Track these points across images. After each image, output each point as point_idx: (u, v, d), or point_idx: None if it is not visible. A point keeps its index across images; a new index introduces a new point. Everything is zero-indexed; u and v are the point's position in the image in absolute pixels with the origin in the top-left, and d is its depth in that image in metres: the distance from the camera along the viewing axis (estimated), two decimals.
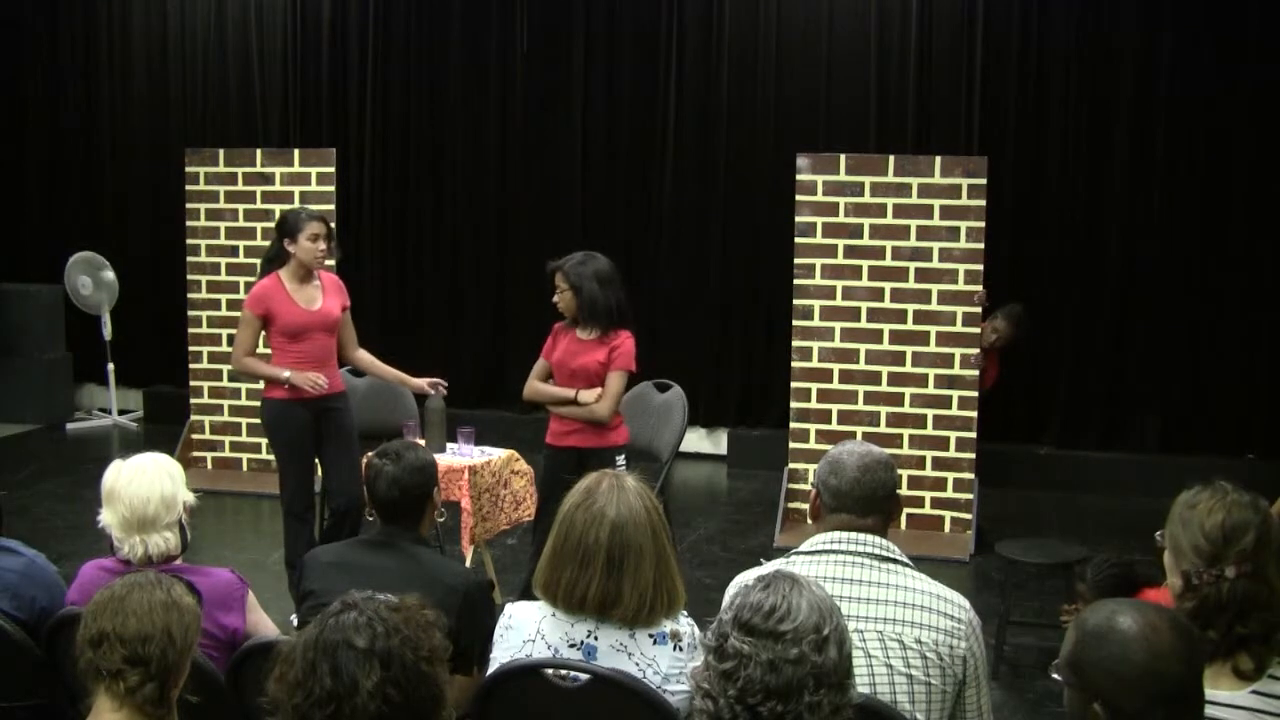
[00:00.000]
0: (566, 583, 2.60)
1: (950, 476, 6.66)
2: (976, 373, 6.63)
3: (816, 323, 6.76)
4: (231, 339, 7.60)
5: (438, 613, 2.05)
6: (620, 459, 4.96)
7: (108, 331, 9.11)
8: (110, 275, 9.03)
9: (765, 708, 1.92)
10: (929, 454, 6.67)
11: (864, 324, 6.71)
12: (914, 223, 6.62)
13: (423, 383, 5.44)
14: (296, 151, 7.82)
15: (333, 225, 5.53)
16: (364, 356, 5.50)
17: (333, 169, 7.68)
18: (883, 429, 6.64)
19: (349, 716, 1.89)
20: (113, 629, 2.32)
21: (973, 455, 6.64)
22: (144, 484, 3.07)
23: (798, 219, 6.79)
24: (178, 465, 3.21)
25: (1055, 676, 2.00)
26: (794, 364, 6.83)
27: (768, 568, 2.29)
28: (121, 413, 9.40)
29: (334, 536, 4.98)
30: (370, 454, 3.42)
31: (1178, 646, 1.90)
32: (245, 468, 7.85)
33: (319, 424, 5.26)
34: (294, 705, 1.91)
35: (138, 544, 3.06)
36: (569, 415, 5.01)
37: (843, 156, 6.80)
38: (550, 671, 2.61)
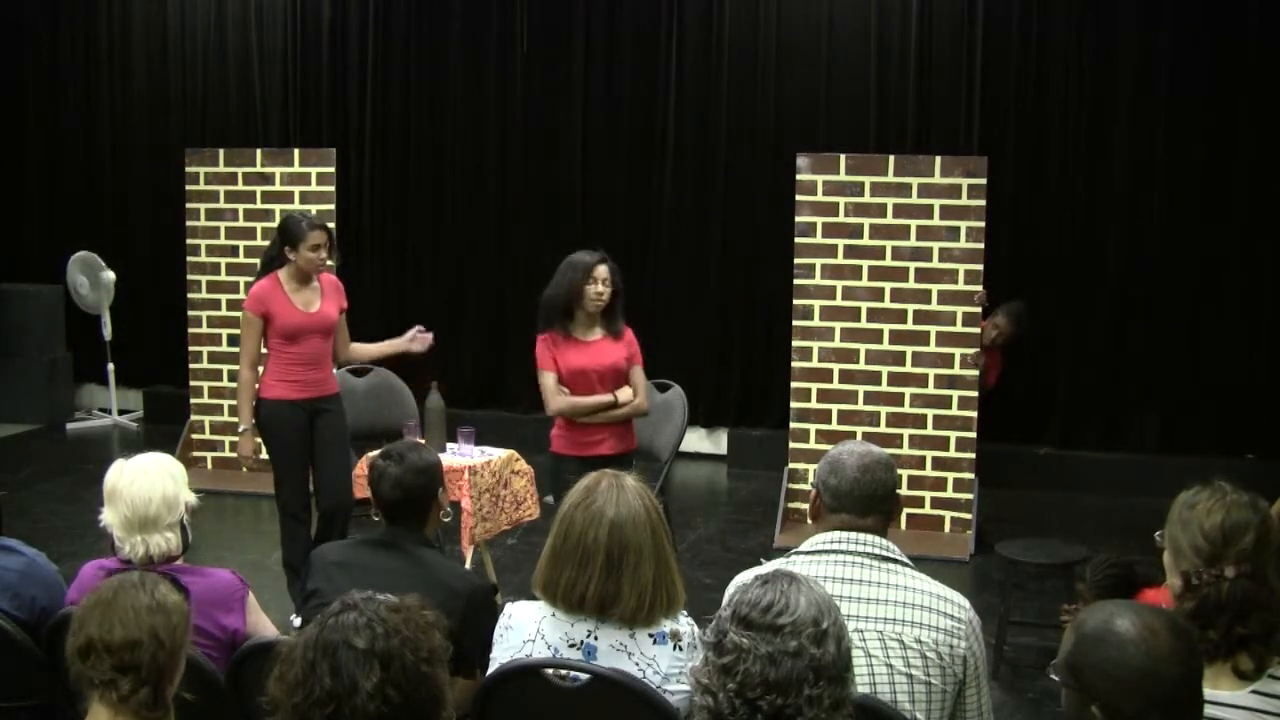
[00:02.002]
0: (566, 582, 2.60)
1: (950, 476, 6.66)
2: (976, 372, 6.64)
3: (816, 323, 6.76)
4: (232, 339, 7.70)
5: (438, 614, 2.05)
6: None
7: (108, 331, 9.10)
8: (108, 276, 9.02)
9: (765, 701, 1.91)
10: (929, 454, 6.67)
11: (864, 324, 6.71)
12: (914, 223, 6.62)
13: (405, 339, 5.49)
14: (296, 151, 7.82)
15: (332, 228, 5.54)
16: (356, 349, 5.53)
17: (333, 169, 7.69)
18: (883, 429, 6.64)
19: (349, 717, 1.88)
20: (99, 638, 2.29)
21: (973, 455, 6.64)
22: (146, 484, 3.07)
23: (798, 219, 6.79)
24: (180, 465, 3.21)
25: (1053, 677, 2.00)
26: (794, 364, 6.83)
27: (768, 567, 2.29)
28: (121, 413, 9.40)
29: (324, 538, 4.99)
30: (374, 454, 3.42)
31: (1176, 649, 1.90)
32: (245, 468, 7.83)
33: (312, 425, 5.27)
34: (294, 705, 1.91)
35: (139, 544, 3.06)
36: (610, 420, 4.93)
37: (843, 156, 6.79)
38: (550, 671, 2.61)
